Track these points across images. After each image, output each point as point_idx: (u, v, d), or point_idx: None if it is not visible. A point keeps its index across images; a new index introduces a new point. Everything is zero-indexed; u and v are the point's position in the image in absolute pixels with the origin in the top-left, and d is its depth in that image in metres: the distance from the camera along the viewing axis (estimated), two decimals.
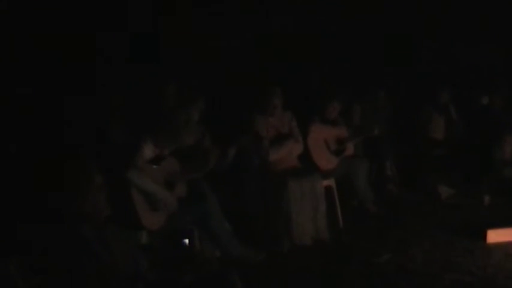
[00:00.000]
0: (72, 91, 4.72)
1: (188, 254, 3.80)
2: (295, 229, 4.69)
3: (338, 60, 6.61)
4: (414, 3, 6.89)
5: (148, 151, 3.86)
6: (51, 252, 2.71)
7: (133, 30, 5.32)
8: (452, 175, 6.31)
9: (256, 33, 6.22)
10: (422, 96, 6.70)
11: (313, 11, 6.52)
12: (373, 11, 6.80)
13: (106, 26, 5.09)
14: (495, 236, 4.77)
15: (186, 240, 4.05)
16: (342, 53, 6.66)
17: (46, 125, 4.49)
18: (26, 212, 3.59)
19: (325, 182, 5.14)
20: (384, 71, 6.82)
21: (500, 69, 6.97)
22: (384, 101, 6.57)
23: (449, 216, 5.55)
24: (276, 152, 4.88)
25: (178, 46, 5.64)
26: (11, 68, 4.56)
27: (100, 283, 2.66)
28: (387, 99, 6.61)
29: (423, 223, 5.34)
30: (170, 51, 5.57)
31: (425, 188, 6.27)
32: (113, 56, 5.12)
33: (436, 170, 6.32)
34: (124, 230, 3.08)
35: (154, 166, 3.85)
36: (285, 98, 5.01)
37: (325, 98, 5.56)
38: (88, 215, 2.75)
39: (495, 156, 6.05)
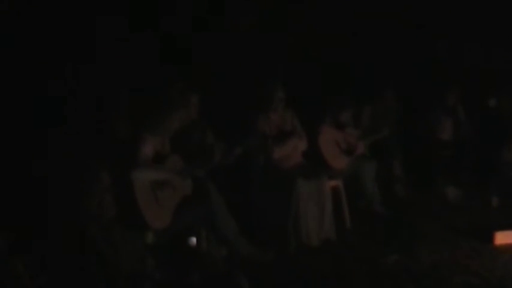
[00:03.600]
0: (76, 88, 4.73)
1: (195, 253, 3.81)
2: (302, 228, 4.68)
3: (345, 60, 6.60)
4: (421, 4, 6.87)
5: (148, 150, 3.86)
6: (58, 251, 2.72)
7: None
8: (460, 176, 6.29)
9: (263, 32, 6.21)
10: (431, 97, 6.67)
11: (322, 11, 6.52)
12: (381, 11, 6.78)
13: (107, 25, 5.10)
14: (503, 237, 4.75)
15: (193, 240, 4.06)
16: (350, 54, 6.65)
17: (50, 123, 4.51)
18: (32, 211, 3.60)
19: (333, 182, 5.14)
20: (391, 72, 6.81)
21: (509, 70, 6.93)
22: (392, 102, 6.55)
23: (457, 218, 5.53)
24: (281, 149, 4.88)
25: (179, 43, 5.65)
26: (14, 67, 4.57)
27: (107, 282, 2.66)
28: (395, 100, 6.59)
29: (430, 224, 5.32)
30: (171, 48, 5.58)
31: (433, 189, 6.25)
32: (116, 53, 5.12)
33: (444, 171, 6.30)
34: (130, 230, 3.09)
35: None
36: (289, 97, 5.02)
37: (338, 102, 5.58)
38: (95, 215, 2.76)
39: (503, 158, 6.02)
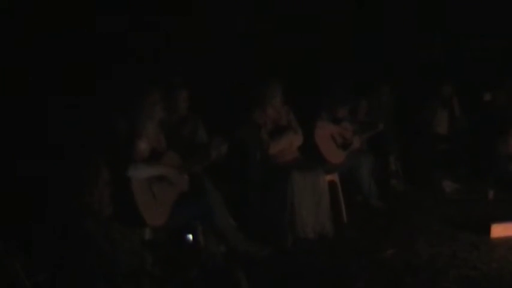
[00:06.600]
0: (76, 87, 4.73)
1: (192, 249, 3.81)
2: (298, 222, 4.69)
3: (341, 56, 6.61)
4: None
5: (145, 146, 3.86)
6: (56, 249, 2.71)
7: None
8: (456, 170, 6.31)
9: (259, 29, 6.22)
10: (426, 90, 6.68)
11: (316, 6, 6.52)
12: (375, 6, 6.80)
13: (106, 25, 5.11)
14: (499, 230, 4.77)
15: (190, 236, 4.06)
16: (344, 49, 6.66)
17: (50, 118, 4.51)
18: (31, 208, 3.59)
19: (329, 177, 5.14)
20: (387, 66, 6.82)
21: (505, 63, 6.95)
22: (388, 96, 6.56)
23: (454, 211, 5.54)
24: (277, 144, 4.88)
25: (177, 39, 5.66)
26: (24, 62, 4.59)
27: (105, 279, 2.66)
28: (391, 94, 6.60)
29: (427, 218, 5.34)
30: (169, 45, 5.59)
31: (429, 183, 6.27)
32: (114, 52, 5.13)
33: (440, 165, 6.31)
34: (127, 226, 3.08)
35: None
36: (285, 92, 5.02)
37: (335, 98, 5.58)
38: (93, 211, 2.75)
39: (499, 151, 6.03)
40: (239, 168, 4.90)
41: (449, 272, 4.06)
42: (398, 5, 6.87)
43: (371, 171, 5.69)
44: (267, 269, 4.12)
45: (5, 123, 4.31)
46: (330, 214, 4.92)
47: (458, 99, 6.52)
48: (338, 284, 3.96)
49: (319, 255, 4.45)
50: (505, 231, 4.78)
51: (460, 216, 5.36)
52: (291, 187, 4.68)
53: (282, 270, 4.16)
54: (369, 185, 5.66)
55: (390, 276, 4.02)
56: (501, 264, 4.21)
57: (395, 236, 4.85)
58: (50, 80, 4.66)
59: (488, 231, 4.75)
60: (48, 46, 4.75)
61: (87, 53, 4.94)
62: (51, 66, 4.73)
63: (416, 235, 4.84)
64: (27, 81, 4.58)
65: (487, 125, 6.38)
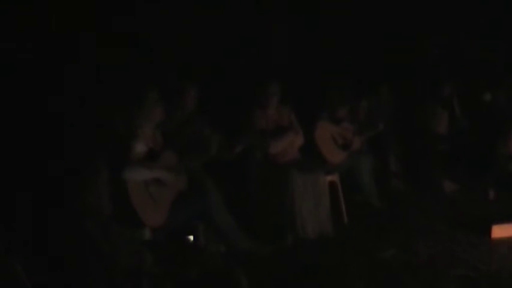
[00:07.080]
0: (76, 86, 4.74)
1: (193, 248, 3.81)
2: (298, 222, 4.69)
3: (340, 56, 6.61)
4: None
5: (141, 146, 3.85)
6: (56, 249, 2.71)
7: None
8: (456, 170, 6.31)
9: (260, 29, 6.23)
10: (426, 90, 6.68)
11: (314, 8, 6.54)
12: (376, 5, 6.80)
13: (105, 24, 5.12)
14: (500, 231, 4.76)
15: (191, 236, 4.06)
16: (343, 49, 6.66)
17: (49, 117, 4.51)
18: (30, 208, 3.59)
19: (329, 177, 5.15)
20: (386, 66, 6.82)
21: (505, 63, 6.95)
22: (387, 96, 6.56)
23: (454, 211, 5.54)
24: (277, 145, 4.89)
25: (177, 38, 5.67)
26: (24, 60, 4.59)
27: (105, 279, 2.66)
28: (390, 94, 6.60)
29: (427, 218, 5.34)
30: (169, 44, 5.60)
31: (429, 183, 6.27)
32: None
33: (440, 165, 6.31)
34: (126, 227, 3.09)
35: None
36: (285, 93, 5.02)
37: (335, 97, 5.59)
38: (92, 210, 2.75)
39: (499, 151, 6.03)
40: (239, 167, 4.90)
41: (449, 272, 4.06)
42: (398, 5, 6.86)
43: (371, 172, 5.70)
44: (267, 269, 4.12)
45: (5, 123, 4.30)
46: (330, 214, 4.93)
47: (458, 99, 6.52)
48: (338, 284, 3.95)
49: (319, 255, 4.45)
50: (506, 231, 4.77)
51: (460, 216, 5.36)
52: (291, 187, 4.68)
53: (282, 270, 4.16)
54: (369, 185, 5.67)
55: (390, 276, 4.02)
56: (501, 265, 4.20)
57: (394, 236, 4.85)
58: (50, 79, 4.66)
59: (488, 231, 4.75)
60: (48, 44, 4.76)
61: (87, 52, 4.94)
62: (51, 65, 4.73)
63: (416, 235, 4.84)
64: (27, 80, 4.58)
65: (487, 125, 6.37)
